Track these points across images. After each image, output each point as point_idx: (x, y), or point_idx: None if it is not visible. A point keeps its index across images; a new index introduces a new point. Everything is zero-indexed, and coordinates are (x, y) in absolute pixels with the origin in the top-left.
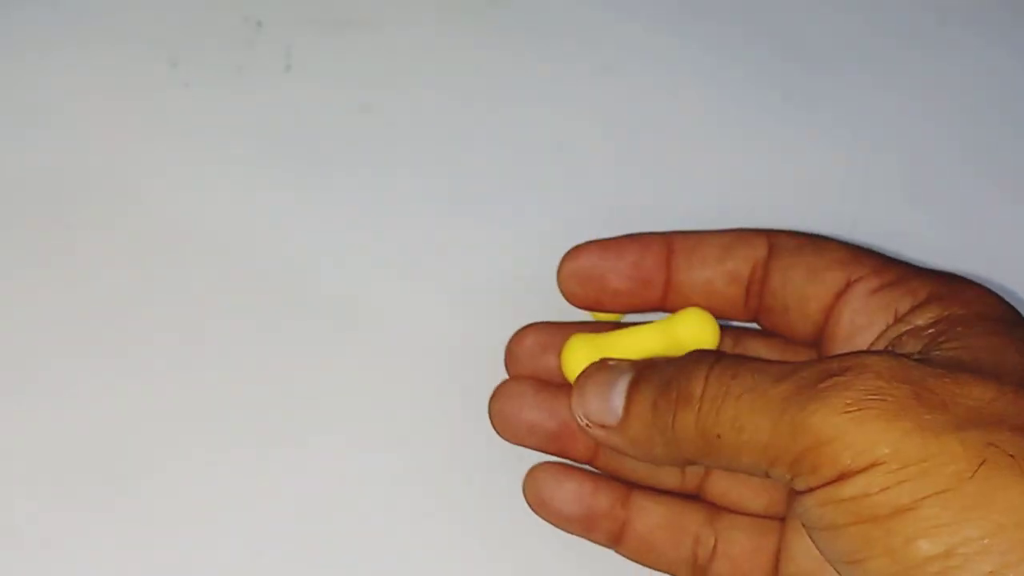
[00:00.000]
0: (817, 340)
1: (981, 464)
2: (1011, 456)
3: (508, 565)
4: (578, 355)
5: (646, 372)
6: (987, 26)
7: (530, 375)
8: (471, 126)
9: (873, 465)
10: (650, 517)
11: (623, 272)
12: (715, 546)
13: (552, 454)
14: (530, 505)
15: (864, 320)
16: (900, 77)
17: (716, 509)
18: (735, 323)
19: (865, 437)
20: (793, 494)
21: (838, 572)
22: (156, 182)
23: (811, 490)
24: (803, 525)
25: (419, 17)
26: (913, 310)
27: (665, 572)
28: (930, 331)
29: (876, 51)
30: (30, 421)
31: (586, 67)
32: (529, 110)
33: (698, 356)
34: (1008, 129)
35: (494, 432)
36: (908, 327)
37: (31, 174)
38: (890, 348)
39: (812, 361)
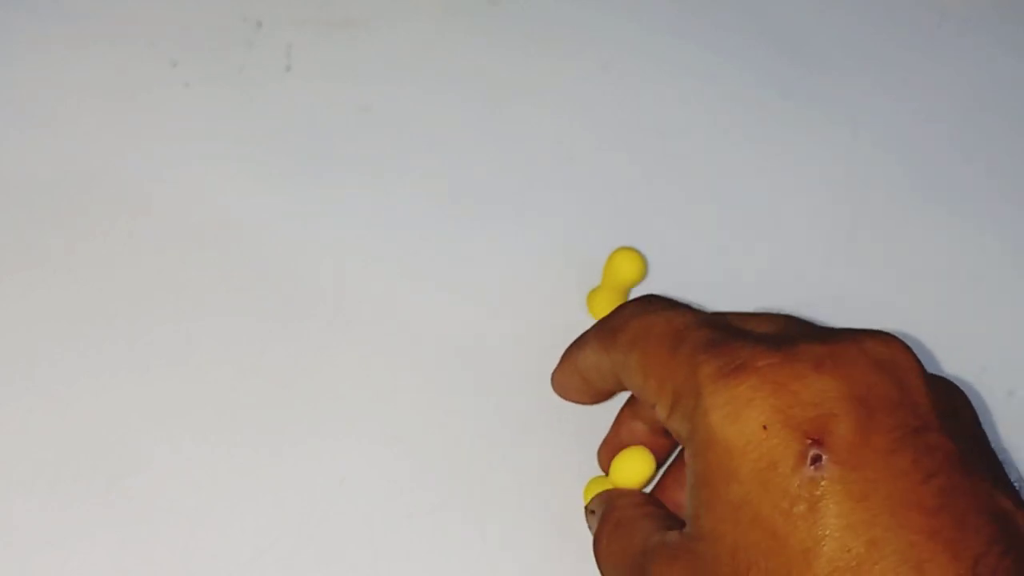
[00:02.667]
0: None
1: None
2: None
3: (511, 564)
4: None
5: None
6: (986, 26)
7: None
8: (471, 125)
9: None
10: None
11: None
12: None
13: None
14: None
15: None
16: (900, 77)
17: None
18: None
19: None
20: None
21: None
22: (156, 182)
23: None
24: None
25: (419, 17)
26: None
27: None
28: None
29: (876, 51)
30: (28, 420)
31: (586, 66)
32: (529, 109)
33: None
34: (1008, 129)
35: (494, 432)
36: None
37: (31, 174)
38: None
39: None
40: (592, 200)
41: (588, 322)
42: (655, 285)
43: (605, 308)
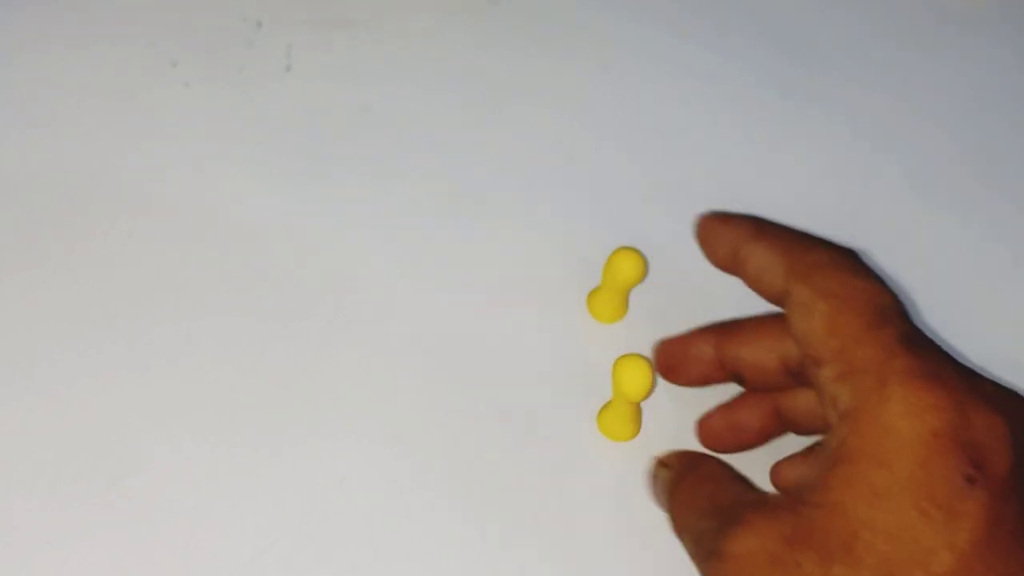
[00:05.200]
0: None
1: None
2: None
3: (510, 564)
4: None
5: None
6: (986, 26)
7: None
8: (471, 125)
9: None
10: None
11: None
12: None
13: None
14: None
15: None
16: (900, 77)
17: None
18: None
19: None
20: None
21: None
22: (156, 182)
23: None
24: None
25: (419, 17)
26: (833, 382)
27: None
28: None
29: (876, 51)
30: (28, 420)
31: (586, 66)
32: (529, 108)
33: (676, 475)
34: (1007, 128)
35: (494, 432)
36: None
37: (31, 174)
38: None
39: (718, 521)
40: (592, 200)
41: (588, 322)
42: (655, 285)
43: (605, 308)
